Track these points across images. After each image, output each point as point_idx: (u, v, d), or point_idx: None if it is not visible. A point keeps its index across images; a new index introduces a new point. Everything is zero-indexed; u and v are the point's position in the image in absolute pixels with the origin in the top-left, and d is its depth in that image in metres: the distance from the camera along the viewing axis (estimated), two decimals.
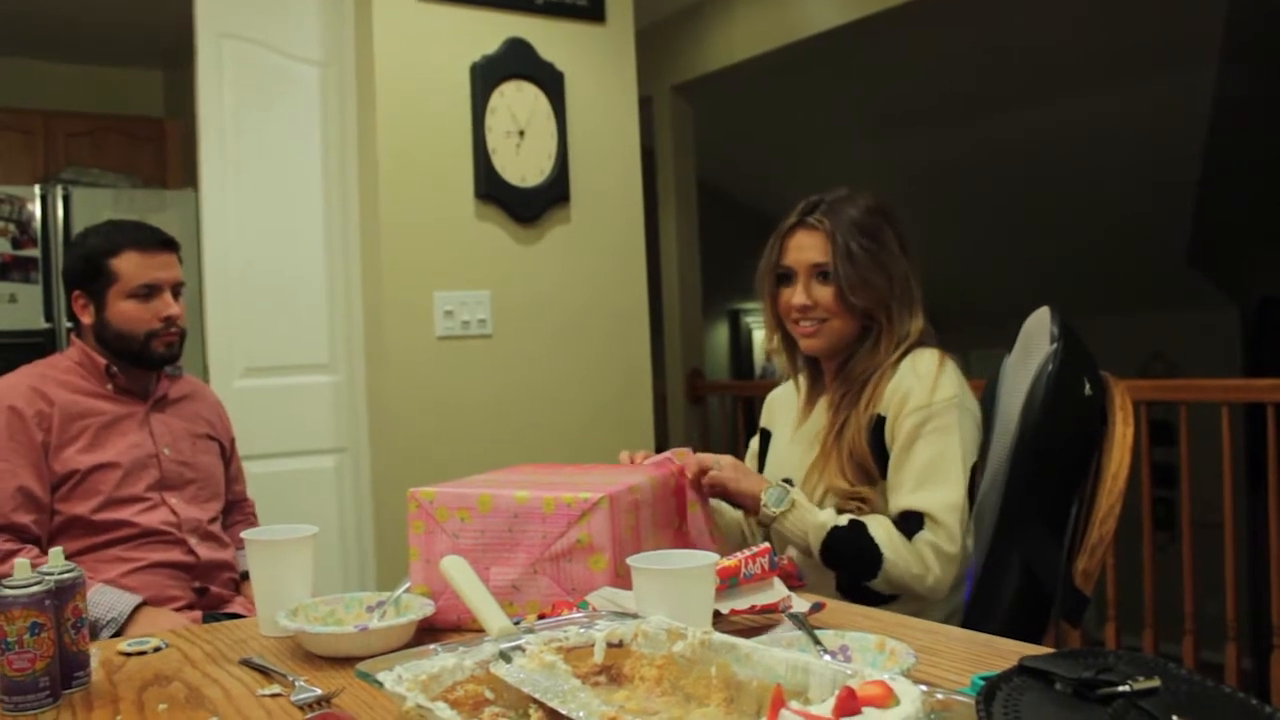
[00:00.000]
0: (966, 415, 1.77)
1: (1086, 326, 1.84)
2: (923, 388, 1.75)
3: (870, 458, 1.77)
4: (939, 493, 1.71)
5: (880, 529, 1.71)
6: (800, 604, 1.37)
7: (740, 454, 2.06)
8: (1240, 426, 3.99)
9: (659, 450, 1.84)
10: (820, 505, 1.79)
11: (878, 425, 1.78)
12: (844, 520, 1.72)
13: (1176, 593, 3.47)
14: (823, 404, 1.91)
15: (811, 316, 1.83)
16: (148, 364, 2.15)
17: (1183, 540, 3.45)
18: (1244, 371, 6.45)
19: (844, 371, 1.86)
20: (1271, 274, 6.45)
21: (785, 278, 1.87)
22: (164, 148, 5.56)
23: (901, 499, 1.74)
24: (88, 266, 2.11)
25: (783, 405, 2.04)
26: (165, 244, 2.15)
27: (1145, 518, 3.54)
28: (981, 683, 0.84)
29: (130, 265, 2.10)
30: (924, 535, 1.70)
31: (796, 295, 1.83)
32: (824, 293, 1.81)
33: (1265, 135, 5.38)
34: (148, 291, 2.10)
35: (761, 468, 2.01)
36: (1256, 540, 4.58)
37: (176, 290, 2.15)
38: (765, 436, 2.05)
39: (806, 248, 1.82)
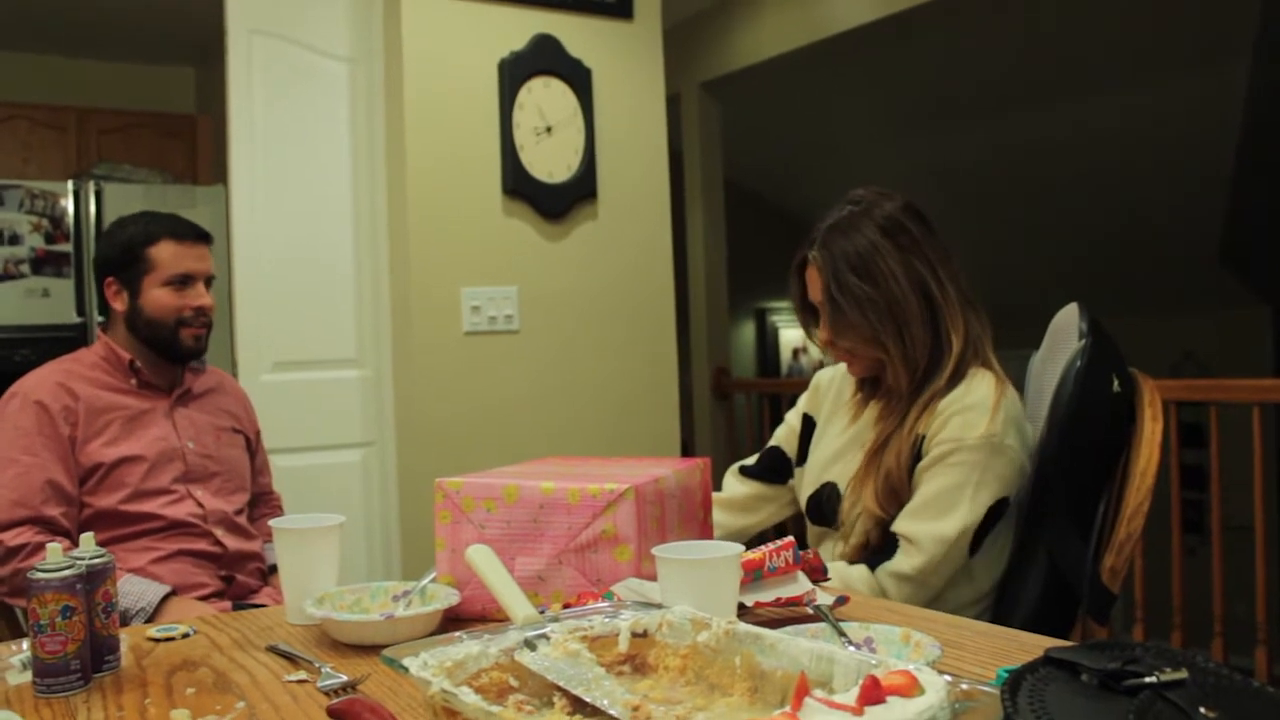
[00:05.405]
0: (999, 455, 1.70)
1: (1116, 326, 1.82)
2: (964, 420, 1.70)
3: (906, 481, 1.74)
4: (933, 524, 1.69)
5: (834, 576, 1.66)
6: (825, 597, 1.37)
7: (759, 448, 2.05)
8: (1272, 428, 3.95)
9: (684, 450, 1.84)
10: (856, 527, 1.79)
11: (919, 443, 1.75)
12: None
13: (1205, 595, 3.44)
14: (874, 410, 1.88)
15: (838, 348, 1.84)
16: (175, 355, 2.17)
17: (1212, 543, 3.42)
18: (1276, 373, 6.38)
19: (886, 387, 1.84)
20: None
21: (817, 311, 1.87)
22: (195, 144, 5.61)
23: (899, 520, 1.73)
24: (124, 254, 2.14)
25: (831, 392, 1.99)
26: (200, 236, 2.20)
27: (1174, 520, 3.51)
28: (1007, 675, 0.84)
29: (166, 254, 2.14)
30: (886, 565, 1.70)
31: (821, 331, 1.85)
32: None
33: None
34: (182, 280, 2.15)
35: (803, 456, 1.97)
36: None
37: (208, 282, 2.20)
38: (809, 422, 2.01)
39: (815, 285, 1.83)
